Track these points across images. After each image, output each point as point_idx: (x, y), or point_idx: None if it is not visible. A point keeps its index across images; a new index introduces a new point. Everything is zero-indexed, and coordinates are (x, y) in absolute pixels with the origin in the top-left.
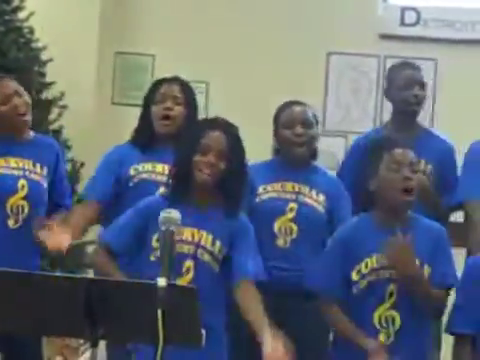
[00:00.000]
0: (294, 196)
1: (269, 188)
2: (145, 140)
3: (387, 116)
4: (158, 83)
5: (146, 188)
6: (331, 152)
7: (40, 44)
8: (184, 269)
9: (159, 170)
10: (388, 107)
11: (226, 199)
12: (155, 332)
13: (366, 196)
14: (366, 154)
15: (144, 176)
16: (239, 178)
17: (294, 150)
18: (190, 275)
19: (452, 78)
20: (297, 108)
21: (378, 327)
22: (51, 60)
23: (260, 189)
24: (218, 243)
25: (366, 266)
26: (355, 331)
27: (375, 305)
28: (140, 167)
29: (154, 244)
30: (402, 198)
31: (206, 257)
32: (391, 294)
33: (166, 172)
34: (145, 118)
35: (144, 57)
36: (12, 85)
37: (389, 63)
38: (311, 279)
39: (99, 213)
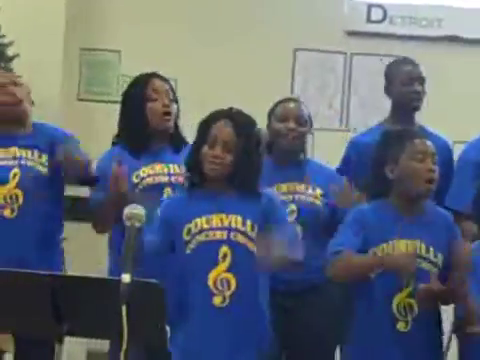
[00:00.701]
0: (291, 197)
1: None
2: (142, 140)
3: (354, 113)
4: (145, 79)
5: (152, 192)
6: None
7: (6, 40)
8: (221, 255)
9: (160, 171)
10: (354, 104)
11: (240, 187)
12: (120, 329)
13: (384, 184)
14: (382, 144)
15: (148, 181)
16: (251, 167)
17: (285, 143)
18: (228, 260)
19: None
20: (292, 104)
21: (397, 315)
22: (17, 56)
23: None
24: (249, 222)
25: (382, 251)
26: (373, 256)
27: (392, 293)
28: (141, 172)
29: (185, 237)
30: (425, 188)
31: (240, 238)
32: (408, 284)
33: (166, 171)
34: (138, 115)
35: (110, 53)
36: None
37: (355, 60)
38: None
39: None
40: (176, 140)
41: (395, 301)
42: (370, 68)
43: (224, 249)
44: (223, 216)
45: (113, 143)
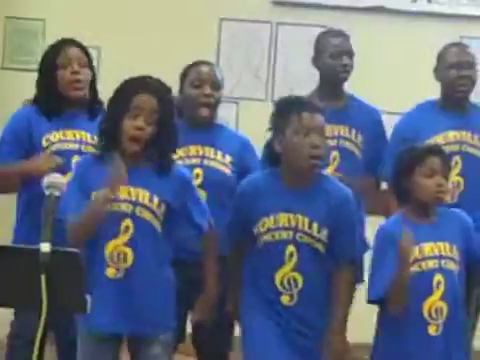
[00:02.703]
0: (199, 160)
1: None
2: (53, 106)
3: (279, 83)
4: (58, 46)
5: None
6: (223, 118)
7: None
8: (122, 228)
9: (71, 137)
10: (280, 74)
11: (157, 158)
12: (40, 298)
13: (272, 156)
14: (273, 114)
15: (57, 146)
16: (169, 139)
17: (200, 110)
18: (129, 234)
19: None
20: (206, 68)
21: (280, 289)
22: None
23: None
24: (156, 199)
25: (263, 225)
26: None
27: (276, 267)
28: (51, 137)
29: None
30: (308, 163)
31: (146, 215)
32: (291, 255)
33: (78, 138)
34: (50, 83)
35: (34, 22)
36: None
37: (281, 30)
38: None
39: None
40: (93, 107)
41: (278, 275)
42: (296, 38)
43: (126, 222)
44: (131, 189)
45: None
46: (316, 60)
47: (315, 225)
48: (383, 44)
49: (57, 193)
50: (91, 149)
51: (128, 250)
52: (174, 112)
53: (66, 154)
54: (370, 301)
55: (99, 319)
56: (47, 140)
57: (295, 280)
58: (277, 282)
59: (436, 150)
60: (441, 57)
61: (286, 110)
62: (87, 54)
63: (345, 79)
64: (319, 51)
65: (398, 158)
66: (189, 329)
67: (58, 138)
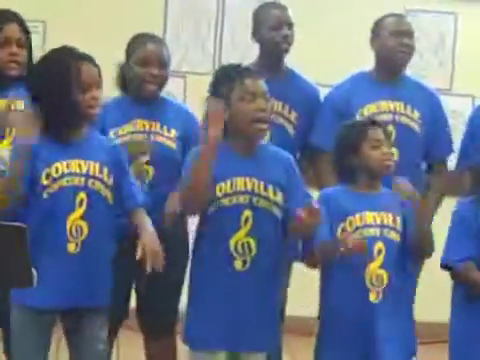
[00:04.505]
0: (146, 136)
1: (120, 132)
2: None
3: (226, 56)
4: None
5: None
6: (170, 93)
7: None
8: (77, 201)
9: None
10: (227, 48)
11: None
12: None
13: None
14: (214, 82)
15: None
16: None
17: (147, 88)
18: (83, 207)
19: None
20: (153, 46)
21: (234, 254)
22: None
23: (111, 134)
24: (105, 170)
25: (220, 190)
26: None
27: (232, 232)
28: None
29: (44, 181)
30: (255, 128)
31: (98, 185)
32: (247, 220)
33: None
34: None
35: None
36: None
37: (228, 2)
38: None
39: None
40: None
41: (232, 240)
42: (243, 10)
43: (81, 195)
44: (81, 162)
45: None
46: (256, 33)
47: (270, 187)
48: (324, 17)
49: (2, 167)
50: None
51: (84, 223)
52: None
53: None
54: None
55: (37, 294)
56: None
57: (249, 245)
58: (231, 247)
59: (375, 121)
60: (379, 26)
61: (228, 78)
62: (27, 32)
63: (286, 50)
64: (258, 23)
65: (341, 136)
66: (133, 304)
67: None
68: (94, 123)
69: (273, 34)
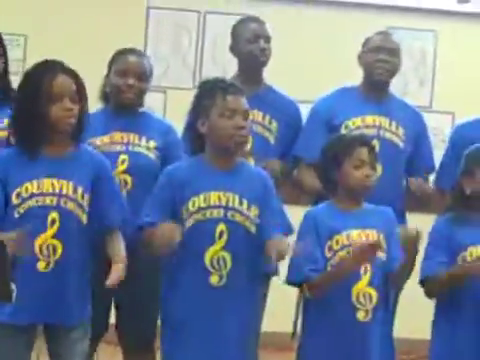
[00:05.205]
0: (124, 147)
1: (98, 142)
2: None
3: (207, 71)
4: None
5: None
6: (150, 107)
7: None
8: (49, 221)
9: None
10: (207, 64)
11: (75, 141)
12: None
13: (195, 138)
14: (196, 96)
15: None
16: (85, 119)
17: (123, 97)
18: (55, 227)
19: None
20: (133, 58)
21: (210, 268)
22: None
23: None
24: (80, 190)
25: (193, 205)
26: None
27: (206, 246)
28: None
29: (15, 201)
30: (233, 144)
31: (71, 206)
32: (221, 234)
33: None
34: None
35: None
36: None
37: (209, 19)
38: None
39: None
40: (5, 94)
41: (207, 254)
42: (224, 25)
43: (53, 215)
44: (55, 181)
45: None
46: (234, 47)
47: (245, 202)
48: (305, 33)
49: None
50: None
51: (57, 242)
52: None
53: None
54: (290, 283)
55: (16, 311)
56: None
57: (224, 259)
58: (207, 261)
59: (363, 141)
60: (365, 42)
61: (210, 92)
62: (3, 45)
63: (264, 63)
64: (236, 37)
65: (326, 149)
66: (112, 319)
67: None
68: (74, 136)
69: (250, 47)
